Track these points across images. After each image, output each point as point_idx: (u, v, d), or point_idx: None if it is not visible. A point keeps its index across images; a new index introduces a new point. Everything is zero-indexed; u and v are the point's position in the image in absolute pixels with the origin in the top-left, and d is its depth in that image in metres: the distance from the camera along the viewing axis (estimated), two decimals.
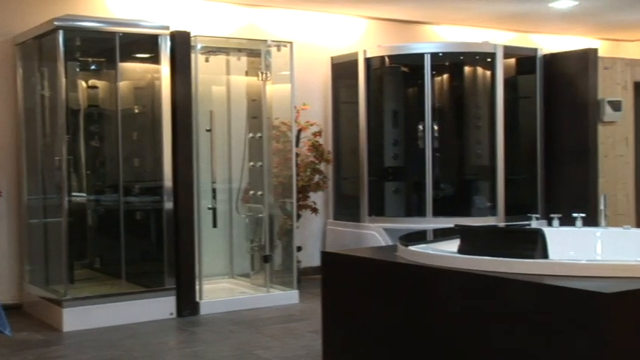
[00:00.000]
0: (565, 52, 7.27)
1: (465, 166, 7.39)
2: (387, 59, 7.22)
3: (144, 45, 5.98)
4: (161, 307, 5.62)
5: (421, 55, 6.87)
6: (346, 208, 7.37)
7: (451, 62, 7.26)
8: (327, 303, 3.74)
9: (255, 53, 6.44)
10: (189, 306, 5.71)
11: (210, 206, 6.11)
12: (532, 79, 7.11)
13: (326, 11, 7.49)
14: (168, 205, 5.71)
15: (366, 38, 7.72)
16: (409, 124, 7.11)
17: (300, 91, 6.88)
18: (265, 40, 6.33)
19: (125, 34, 5.74)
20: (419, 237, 3.84)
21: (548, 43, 8.71)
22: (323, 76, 7.49)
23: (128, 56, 6.10)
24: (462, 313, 3.03)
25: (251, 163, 6.53)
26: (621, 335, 2.58)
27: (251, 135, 6.53)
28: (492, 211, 6.87)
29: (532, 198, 7.03)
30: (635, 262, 3.03)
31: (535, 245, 3.02)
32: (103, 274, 6.15)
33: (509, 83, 7.04)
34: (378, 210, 7.08)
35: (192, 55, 5.84)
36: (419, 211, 6.93)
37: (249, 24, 7.10)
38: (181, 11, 6.73)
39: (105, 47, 5.95)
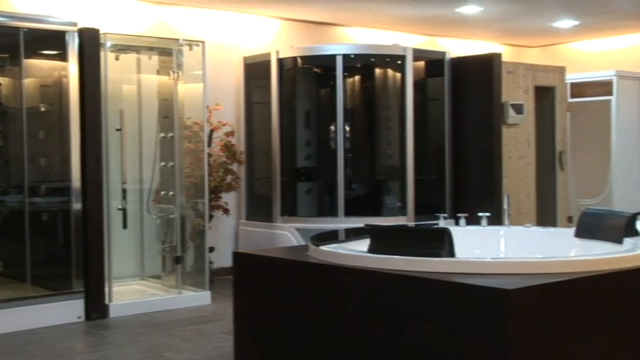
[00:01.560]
0: (471, 56, 7.48)
1: (376, 167, 7.51)
2: (299, 60, 7.26)
3: (51, 41, 5.82)
4: (69, 310, 5.49)
5: (333, 57, 6.93)
6: (259, 209, 7.38)
7: (362, 64, 7.36)
8: (239, 304, 3.74)
9: (166, 52, 6.37)
10: (98, 309, 5.60)
11: (120, 207, 6.02)
12: (440, 82, 7.29)
13: (238, 11, 7.47)
14: (77, 205, 5.58)
15: (278, 39, 7.74)
16: (321, 124, 7.17)
17: (213, 91, 6.84)
18: (177, 39, 6.26)
19: (30, 30, 5.57)
20: (330, 237, 3.88)
21: (456, 47, 8.95)
22: (235, 76, 7.47)
23: (34, 53, 5.93)
24: (371, 311, 3.08)
25: (162, 163, 6.46)
26: (523, 329, 2.68)
27: (162, 135, 6.45)
28: (402, 210, 7.00)
29: (440, 198, 7.20)
30: (535, 258, 3.15)
31: (442, 244, 3.10)
32: (6, 278, 5.95)
33: (418, 85, 7.20)
34: (290, 210, 7.11)
35: (102, 53, 5.72)
36: (331, 211, 6.99)
37: (160, 22, 7.02)
38: (90, 7, 6.58)
39: (9, 43, 5.76)
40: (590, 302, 2.92)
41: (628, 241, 3.54)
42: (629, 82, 8.58)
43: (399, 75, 7.13)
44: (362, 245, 3.40)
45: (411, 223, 6.74)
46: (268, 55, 7.15)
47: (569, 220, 7.55)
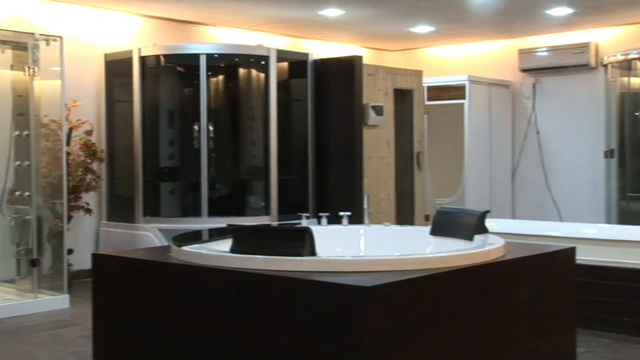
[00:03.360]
0: (334, 59, 7.64)
1: (240, 167, 7.52)
2: (162, 58, 7.16)
3: None
4: None
5: (197, 56, 6.89)
6: (120, 209, 7.21)
7: (226, 64, 7.36)
8: (99, 307, 3.66)
9: (21, 46, 6.10)
10: None
11: None
12: (304, 83, 7.40)
13: (99, 6, 7.27)
14: None
15: (141, 36, 7.60)
16: (185, 124, 7.11)
17: (72, 88, 6.63)
18: (33, 34, 6.02)
19: None
20: (193, 237, 3.86)
21: (320, 49, 9.11)
22: (96, 73, 7.27)
23: None
24: (234, 312, 3.10)
25: (17, 163, 6.18)
26: (382, 325, 2.78)
27: (17, 133, 6.18)
28: (266, 210, 7.06)
29: (303, 198, 7.31)
30: (393, 256, 3.26)
31: (303, 243, 3.15)
32: None
33: (282, 86, 7.27)
34: (153, 210, 7.00)
35: None
36: (194, 211, 6.95)
37: (14, 14, 6.72)
38: None
39: None
40: (444, 297, 3.06)
41: (478, 238, 3.72)
42: (481, 87, 9.05)
43: (262, 75, 7.18)
44: (225, 245, 3.41)
45: (275, 223, 6.80)
46: (130, 52, 7.01)
47: (427, 218, 7.85)
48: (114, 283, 3.63)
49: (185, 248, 3.42)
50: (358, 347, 2.74)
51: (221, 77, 7.40)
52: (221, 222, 5.18)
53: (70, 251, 6.48)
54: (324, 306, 2.84)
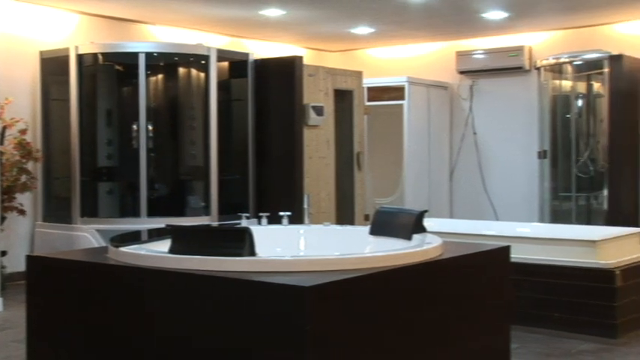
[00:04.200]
0: (274, 59, 7.64)
1: (180, 167, 7.47)
2: (100, 57, 7.06)
3: None
4: None
5: (135, 54, 6.81)
6: (57, 210, 7.08)
7: (166, 63, 7.29)
8: (33, 310, 3.59)
9: None
10: None
11: None
12: (244, 83, 7.37)
13: (35, 2, 7.12)
14: None
15: (78, 34, 7.47)
16: (123, 123, 7.02)
17: (5, 85, 6.49)
18: None
19: None
20: (131, 237, 3.82)
21: (261, 48, 9.10)
22: (31, 70, 7.12)
23: None
24: (172, 313, 3.08)
25: None
26: (321, 325, 2.79)
27: None
28: (206, 210, 7.02)
29: (244, 198, 7.29)
30: (333, 256, 3.28)
31: (243, 243, 3.14)
32: None
33: (222, 86, 7.24)
34: (91, 211, 6.90)
35: None
36: (133, 212, 6.87)
37: None
38: None
39: None
40: (382, 296, 3.10)
41: (416, 238, 3.77)
42: (420, 88, 9.18)
43: (202, 75, 7.14)
44: (164, 246, 3.38)
45: (215, 223, 6.78)
46: (67, 50, 6.89)
47: (366, 218, 7.92)
48: (49, 286, 3.56)
49: (123, 249, 3.38)
50: (297, 347, 2.75)
51: (160, 76, 7.33)
52: (160, 222, 5.12)
53: (4, 253, 6.34)
54: (262, 306, 2.85)
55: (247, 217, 4.88)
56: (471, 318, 3.61)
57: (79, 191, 6.85)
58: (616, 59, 7.79)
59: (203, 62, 7.07)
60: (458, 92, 9.55)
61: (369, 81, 8.61)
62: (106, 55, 7.07)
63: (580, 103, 8.49)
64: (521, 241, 5.43)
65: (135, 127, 6.82)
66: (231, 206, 7.07)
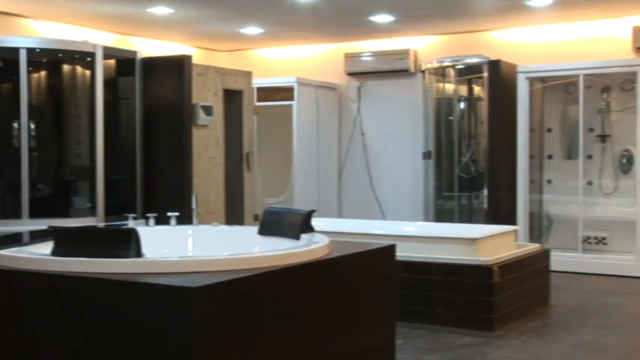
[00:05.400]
0: (163, 57, 7.54)
1: (65, 166, 7.25)
2: None
3: None
4: None
5: (16, 50, 6.55)
6: None
7: (49, 59, 7.06)
8: None
9: None
10: None
11: None
12: (132, 81, 7.24)
13: None
14: None
15: None
16: (4, 121, 6.75)
17: None
18: None
19: None
20: (12, 240, 3.71)
21: (149, 47, 8.97)
22: None
23: None
24: (56, 317, 3.01)
25: None
26: (209, 326, 2.79)
27: None
28: (92, 211, 6.85)
29: (131, 198, 7.16)
30: (221, 256, 3.28)
31: (129, 244, 3.10)
32: None
33: (109, 84, 7.08)
34: None
35: None
36: (14, 213, 6.61)
37: None
38: None
39: None
40: (270, 296, 3.13)
41: (304, 237, 3.82)
42: (309, 89, 9.28)
43: (88, 72, 6.96)
44: (46, 248, 3.30)
45: (101, 224, 6.63)
46: None
47: (256, 218, 7.93)
48: None
49: (3, 252, 3.27)
50: (185, 349, 2.74)
51: (44, 73, 7.09)
52: (43, 224, 4.96)
53: None
54: (149, 308, 2.82)
55: (134, 218, 4.79)
56: (357, 315, 3.69)
57: None
58: (494, 64, 8.14)
59: (89, 59, 6.89)
60: (346, 93, 9.72)
61: (258, 81, 8.63)
62: None
63: (462, 105, 8.82)
64: (407, 239, 5.61)
65: (16, 125, 6.57)
66: (118, 207, 6.93)
